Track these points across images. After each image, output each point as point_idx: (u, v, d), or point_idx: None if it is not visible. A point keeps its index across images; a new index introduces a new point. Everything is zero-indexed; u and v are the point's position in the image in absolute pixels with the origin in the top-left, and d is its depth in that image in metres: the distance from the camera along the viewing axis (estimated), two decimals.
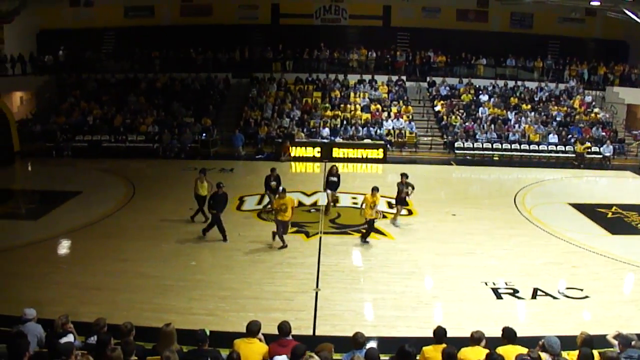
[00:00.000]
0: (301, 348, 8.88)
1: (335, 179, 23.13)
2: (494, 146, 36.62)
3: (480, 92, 42.21)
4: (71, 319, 10.41)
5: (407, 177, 21.94)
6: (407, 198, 22.05)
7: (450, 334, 9.90)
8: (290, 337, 9.78)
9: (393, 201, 22.74)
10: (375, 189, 19.40)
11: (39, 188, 28.35)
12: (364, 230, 19.84)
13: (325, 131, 36.67)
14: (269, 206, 22.50)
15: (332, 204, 23.41)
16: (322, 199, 24.25)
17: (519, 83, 43.25)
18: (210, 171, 28.35)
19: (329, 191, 23.28)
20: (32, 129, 36.69)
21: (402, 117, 38.53)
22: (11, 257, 18.00)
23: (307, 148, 34.43)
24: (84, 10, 41.77)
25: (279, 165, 26.34)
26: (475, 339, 9.62)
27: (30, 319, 10.34)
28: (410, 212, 23.19)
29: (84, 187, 26.85)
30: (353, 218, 22.16)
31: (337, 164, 25.17)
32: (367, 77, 43.14)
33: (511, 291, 15.71)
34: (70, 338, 9.69)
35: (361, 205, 20.23)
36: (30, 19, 42.10)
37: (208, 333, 9.59)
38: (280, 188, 19.67)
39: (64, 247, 19.51)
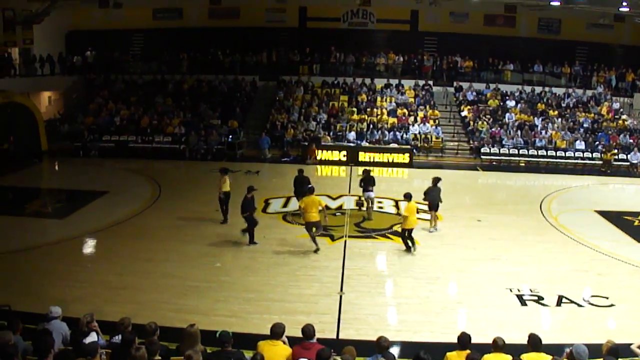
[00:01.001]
0: (326, 352, 8.87)
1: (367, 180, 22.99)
2: (521, 152, 36.38)
3: (507, 97, 42.00)
4: (96, 317, 10.49)
5: (438, 181, 21.78)
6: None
7: (474, 339, 9.85)
8: (314, 340, 9.78)
9: (420, 206, 22.59)
10: (408, 197, 19.26)
11: (66, 187, 28.62)
12: (404, 238, 19.54)
13: (352, 135, 36.64)
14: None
15: (359, 207, 23.31)
16: (348, 202, 24.21)
17: (546, 89, 42.90)
18: (236, 173, 28.73)
19: (367, 194, 23.06)
20: (60, 128, 37.12)
21: (428, 122, 38.41)
22: (38, 255, 18.22)
23: (333, 152, 34.40)
24: (113, 12, 41.97)
25: (305, 168, 26.34)
26: (499, 346, 9.57)
27: (55, 316, 10.44)
28: (435, 217, 23.11)
29: (111, 187, 27.10)
30: (378, 222, 22.17)
31: (368, 168, 25.01)
32: (394, 82, 43.03)
33: (536, 298, 15.62)
34: (94, 337, 9.77)
35: (404, 214, 19.62)
36: (59, 20, 42.52)
37: (218, 335, 9.59)
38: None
39: (90, 246, 19.73)
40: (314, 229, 18.87)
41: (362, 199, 23.34)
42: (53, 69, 41.35)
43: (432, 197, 21.48)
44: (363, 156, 34.16)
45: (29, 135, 33.50)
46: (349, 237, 20.50)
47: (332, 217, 22.96)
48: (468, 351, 9.33)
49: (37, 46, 40.78)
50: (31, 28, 39.63)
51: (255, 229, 19.57)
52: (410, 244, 19.13)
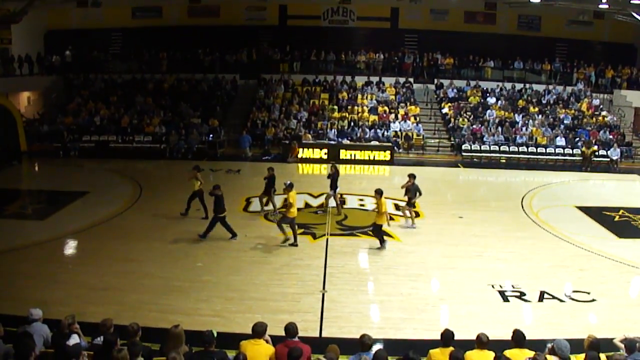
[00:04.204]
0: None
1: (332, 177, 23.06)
2: (501, 149, 36.52)
3: (488, 94, 42.18)
4: (77, 319, 10.40)
5: (414, 177, 21.87)
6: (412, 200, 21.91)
7: (457, 336, 9.85)
8: (297, 339, 9.75)
9: (401, 203, 22.78)
10: (378, 192, 19.24)
11: (46, 188, 28.43)
12: (371, 233, 19.70)
13: (333, 133, 36.64)
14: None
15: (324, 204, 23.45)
16: (331, 201, 24.25)
17: (527, 86, 43.16)
18: (217, 172, 28.84)
19: (331, 191, 23.14)
20: (39, 129, 36.80)
21: (409, 119, 38.50)
22: (18, 256, 18.05)
23: (314, 150, 34.39)
24: (92, 11, 41.80)
25: (286, 167, 26.32)
26: (483, 342, 9.57)
27: (36, 319, 10.35)
28: (417, 214, 23.12)
29: (91, 187, 26.90)
30: (360, 220, 22.14)
31: (334, 163, 25.05)
32: (374, 79, 43.15)
33: (518, 294, 15.69)
34: (76, 339, 9.70)
35: (378, 209, 19.57)
36: (37, 20, 42.23)
37: (215, 334, 9.57)
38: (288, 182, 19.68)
39: (70, 247, 19.59)
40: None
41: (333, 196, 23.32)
42: (32, 69, 41.12)
43: (414, 193, 21.61)
44: (344, 154, 34.18)
45: (7, 136, 33.18)
46: (331, 235, 20.46)
47: (314, 215, 23.00)
48: (451, 348, 9.34)
49: (15, 46, 40.58)
50: (9, 28, 39.39)
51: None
52: (383, 239, 19.28)
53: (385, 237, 19.31)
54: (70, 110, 38.83)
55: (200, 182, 21.97)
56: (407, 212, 22.02)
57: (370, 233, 19.75)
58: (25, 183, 31.13)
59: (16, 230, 20.92)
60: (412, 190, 21.66)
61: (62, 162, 33.32)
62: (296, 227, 19.20)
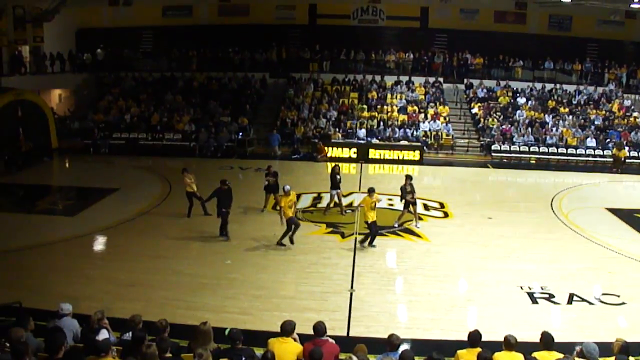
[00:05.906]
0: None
1: (339, 177, 23.16)
2: (531, 149, 36.25)
3: (518, 94, 41.86)
4: (106, 314, 10.48)
5: (411, 179, 21.80)
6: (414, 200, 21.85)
7: (484, 337, 9.76)
8: (326, 337, 9.72)
9: (430, 203, 22.71)
10: (372, 190, 19.25)
11: (76, 184, 28.76)
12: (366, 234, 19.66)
13: (362, 132, 36.64)
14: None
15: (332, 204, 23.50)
16: (358, 200, 24.20)
17: (557, 86, 42.72)
18: (246, 170, 28.95)
19: (333, 191, 23.19)
20: (70, 126, 37.22)
21: (438, 119, 38.35)
22: (48, 252, 18.28)
23: (344, 149, 34.39)
24: (123, 10, 42.06)
25: (315, 166, 26.22)
26: (511, 344, 9.47)
27: (66, 313, 10.48)
28: (446, 215, 23.06)
29: (121, 184, 27.15)
30: (388, 219, 22.04)
31: (339, 164, 25.48)
32: (404, 79, 43.00)
33: (547, 296, 15.54)
34: (105, 334, 9.77)
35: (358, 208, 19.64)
36: (69, 18, 42.62)
37: (227, 333, 9.58)
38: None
39: (100, 243, 19.77)
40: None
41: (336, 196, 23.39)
42: (63, 67, 41.60)
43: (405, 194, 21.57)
44: (373, 153, 34.19)
45: (39, 133, 33.53)
46: (359, 234, 20.41)
47: (342, 214, 22.98)
48: (479, 349, 9.26)
49: (47, 44, 40.93)
50: (41, 26, 39.77)
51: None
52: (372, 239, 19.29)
53: (415, 237, 19.27)
54: (101, 108, 39.21)
55: (192, 183, 22.16)
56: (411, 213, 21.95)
57: (399, 232, 19.75)
58: (56, 179, 31.49)
59: (47, 226, 21.20)
60: (403, 191, 21.59)
61: (93, 159, 33.65)
62: (292, 227, 19.00)
